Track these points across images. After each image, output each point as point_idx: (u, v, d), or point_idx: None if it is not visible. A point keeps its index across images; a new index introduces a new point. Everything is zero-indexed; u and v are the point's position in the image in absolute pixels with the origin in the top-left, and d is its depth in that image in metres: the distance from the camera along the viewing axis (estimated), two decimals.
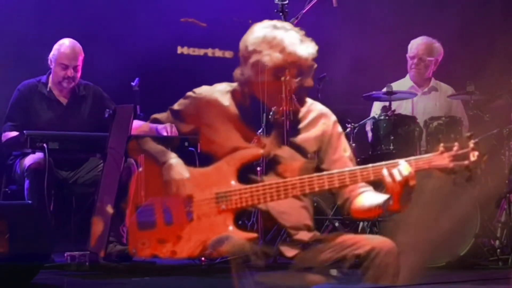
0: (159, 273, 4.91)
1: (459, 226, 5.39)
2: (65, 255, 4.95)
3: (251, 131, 3.36)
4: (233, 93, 3.43)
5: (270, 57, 3.27)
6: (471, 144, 3.06)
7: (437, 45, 6.56)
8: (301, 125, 3.40)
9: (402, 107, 6.35)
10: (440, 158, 3.08)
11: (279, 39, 3.28)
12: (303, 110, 3.42)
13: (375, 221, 5.41)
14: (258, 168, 3.30)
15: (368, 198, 3.29)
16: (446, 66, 6.76)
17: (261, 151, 3.30)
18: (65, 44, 5.77)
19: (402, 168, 3.08)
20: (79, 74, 5.80)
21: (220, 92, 3.45)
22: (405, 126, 5.85)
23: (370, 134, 6.24)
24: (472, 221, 5.41)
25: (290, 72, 3.27)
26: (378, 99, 6.23)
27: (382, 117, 5.90)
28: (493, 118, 5.99)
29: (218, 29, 7.11)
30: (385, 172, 3.11)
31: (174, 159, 3.35)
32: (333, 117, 3.46)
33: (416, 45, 6.53)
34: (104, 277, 4.78)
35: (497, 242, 5.75)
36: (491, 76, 6.79)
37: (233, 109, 3.41)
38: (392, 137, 5.81)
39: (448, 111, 6.47)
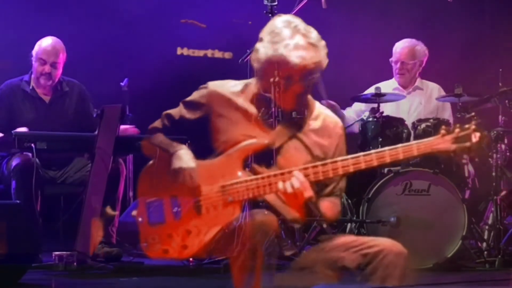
0: (147, 273, 4.92)
1: (447, 228, 5.42)
2: (53, 255, 4.94)
3: (263, 124, 3.31)
4: (247, 86, 3.38)
5: (265, 50, 3.25)
6: (473, 125, 3.02)
7: (420, 47, 6.54)
8: (312, 126, 3.36)
9: (387, 107, 6.35)
10: (441, 141, 3.04)
11: (281, 37, 3.23)
12: (314, 112, 3.38)
13: (362, 223, 5.42)
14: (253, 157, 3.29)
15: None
16: (434, 68, 6.77)
17: (266, 141, 3.29)
18: (46, 40, 5.76)
19: (294, 180, 3.09)
20: (59, 72, 5.76)
21: (233, 85, 3.41)
22: (393, 128, 5.86)
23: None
24: (460, 223, 5.43)
25: (279, 73, 3.26)
26: (367, 100, 6.24)
27: (370, 119, 5.91)
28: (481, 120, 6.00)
29: (217, 31, 7.11)
30: (280, 185, 3.11)
31: (183, 150, 3.35)
32: (343, 129, 3.44)
33: (399, 49, 6.51)
34: (92, 277, 4.78)
35: (484, 245, 5.77)
36: (479, 78, 6.84)
37: (246, 103, 3.36)
38: (380, 139, 5.81)
39: (435, 109, 6.50)
